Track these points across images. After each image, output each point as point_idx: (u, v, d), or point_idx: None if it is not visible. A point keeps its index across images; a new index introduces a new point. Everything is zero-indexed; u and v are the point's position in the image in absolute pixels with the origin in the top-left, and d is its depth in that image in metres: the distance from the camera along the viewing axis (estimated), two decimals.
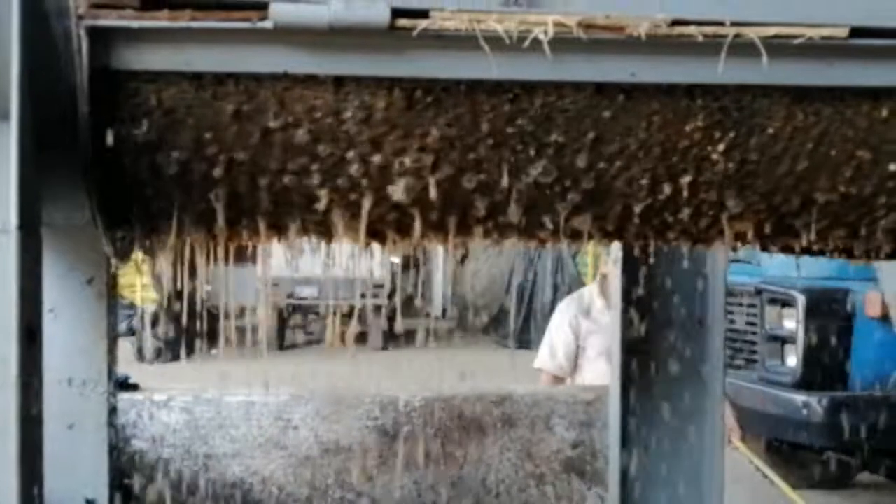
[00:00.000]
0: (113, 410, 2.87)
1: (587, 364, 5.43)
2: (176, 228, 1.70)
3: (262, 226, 1.73)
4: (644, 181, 1.71)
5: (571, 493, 3.33)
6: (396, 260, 15.59)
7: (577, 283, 16.03)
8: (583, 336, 5.45)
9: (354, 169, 1.62)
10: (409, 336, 17.40)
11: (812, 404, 7.02)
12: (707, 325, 3.26)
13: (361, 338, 16.73)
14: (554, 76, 1.56)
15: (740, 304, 7.63)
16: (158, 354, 15.27)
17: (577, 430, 3.35)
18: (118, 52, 1.47)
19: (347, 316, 15.35)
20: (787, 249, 2.01)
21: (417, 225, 1.75)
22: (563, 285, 17.57)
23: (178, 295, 1.97)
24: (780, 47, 1.54)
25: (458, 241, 1.84)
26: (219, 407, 3.20)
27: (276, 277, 15.88)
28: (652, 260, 3.17)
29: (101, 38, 1.45)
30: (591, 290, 5.69)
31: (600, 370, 5.33)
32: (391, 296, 16.81)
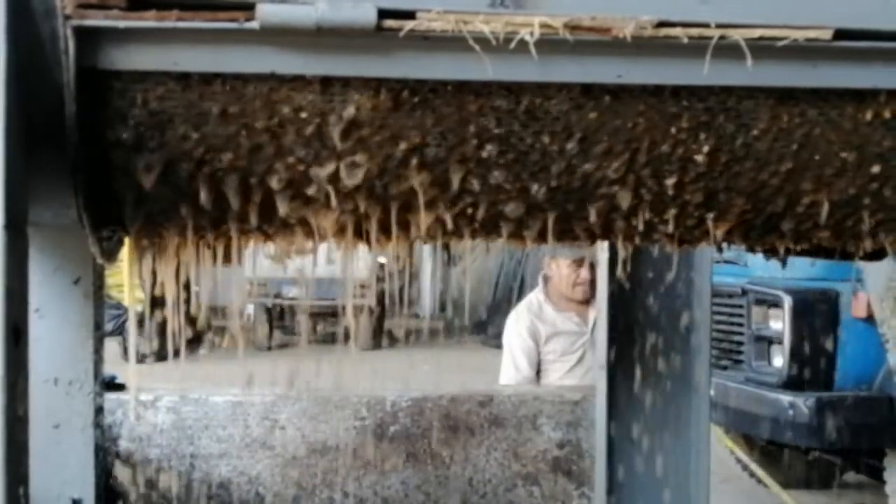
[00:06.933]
0: (99, 410, 2.86)
1: (549, 367, 5.42)
2: (162, 228, 1.70)
3: (249, 226, 1.73)
4: (630, 182, 1.72)
5: (558, 492, 3.34)
6: (384, 260, 15.57)
7: None
8: (542, 340, 5.43)
9: (341, 169, 1.62)
10: (397, 336, 17.40)
11: (798, 404, 7.05)
12: (693, 325, 3.27)
13: (349, 338, 16.70)
14: (540, 77, 1.57)
15: (726, 305, 7.65)
16: (145, 354, 15.20)
17: (564, 430, 3.36)
18: (105, 52, 1.47)
19: (335, 316, 15.32)
20: (772, 250, 2.02)
21: (404, 225, 1.76)
22: None
23: (165, 295, 1.96)
24: (764, 49, 1.55)
25: (444, 241, 1.85)
26: (206, 407, 3.20)
27: (264, 277, 15.84)
28: (638, 260, 3.19)
29: (88, 38, 1.45)
30: (537, 295, 5.65)
31: (563, 371, 5.35)
32: (378, 296, 16.79)
